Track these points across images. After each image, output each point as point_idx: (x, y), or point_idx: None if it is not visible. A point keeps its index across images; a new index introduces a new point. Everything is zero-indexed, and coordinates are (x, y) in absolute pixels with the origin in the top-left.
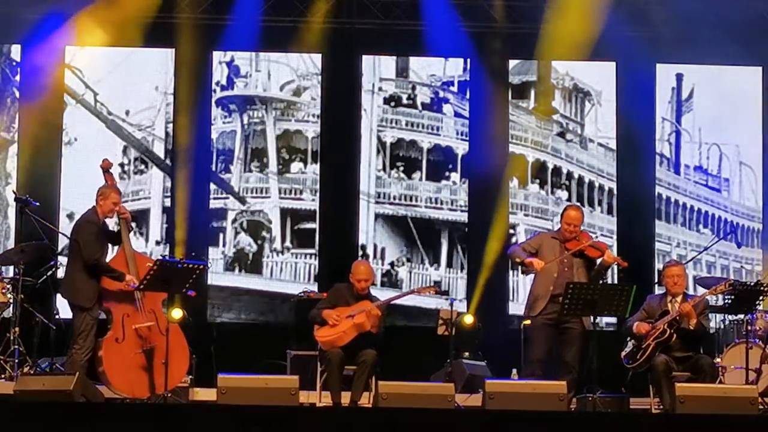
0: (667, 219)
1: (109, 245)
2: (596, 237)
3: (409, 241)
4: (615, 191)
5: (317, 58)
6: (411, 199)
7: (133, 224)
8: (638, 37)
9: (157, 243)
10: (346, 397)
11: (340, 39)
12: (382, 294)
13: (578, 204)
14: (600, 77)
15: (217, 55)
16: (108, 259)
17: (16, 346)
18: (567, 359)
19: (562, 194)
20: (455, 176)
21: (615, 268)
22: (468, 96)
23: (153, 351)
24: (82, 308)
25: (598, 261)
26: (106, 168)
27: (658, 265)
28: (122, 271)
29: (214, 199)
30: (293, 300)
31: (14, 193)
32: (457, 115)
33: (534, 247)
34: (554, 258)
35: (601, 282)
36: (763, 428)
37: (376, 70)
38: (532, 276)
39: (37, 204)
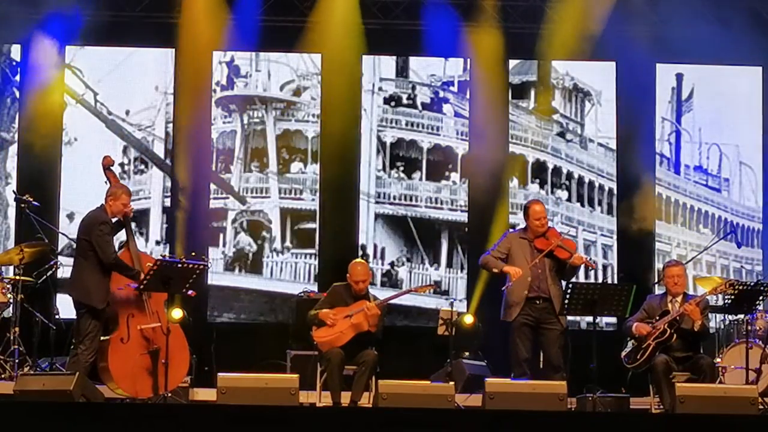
0: (667, 219)
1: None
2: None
3: (409, 241)
4: (615, 191)
5: (317, 58)
6: (411, 199)
7: (133, 224)
8: (638, 37)
9: (157, 243)
10: (346, 397)
11: (340, 39)
12: (382, 294)
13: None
14: (600, 77)
15: (217, 55)
16: None
17: (16, 346)
18: (552, 360)
19: (562, 194)
20: (455, 176)
21: (615, 269)
22: (468, 96)
23: (158, 352)
24: (93, 309)
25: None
26: (107, 165)
27: (658, 265)
28: (138, 270)
29: (214, 199)
30: (293, 300)
31: (14, 193)
32: (457, 114)
33: (503, 252)
34: (526, 261)
35: (601, 282)
36: (763, 428)
37: (376, 70)
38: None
39: (37, 204)
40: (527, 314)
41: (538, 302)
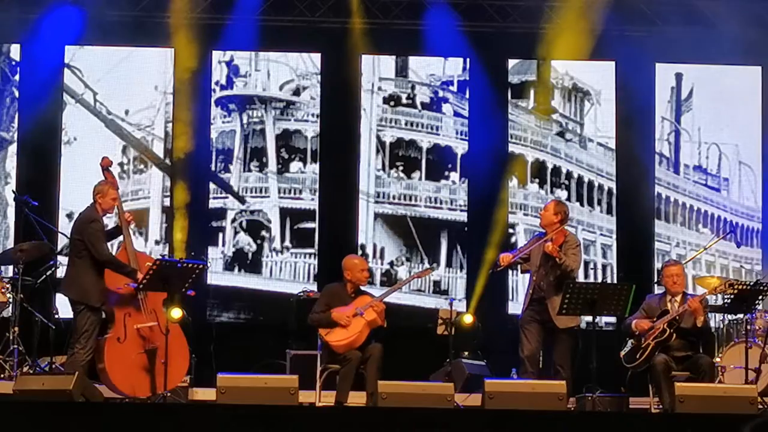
0: (666, 219)
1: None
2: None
3: (409, 240)
4: (615, 191)
5: (317, 57)
6: (410, 199)
7: (133, 226)
8: (638, 36)
9: (157, 243)
10: (353, 397)
11: (340, 39)
12: (380, 293)
13: (558, 198)
14: (599, 77)
15: (217, 55)
16: None
17: (16, 346)
18: (554, 359)
19: (562, 194)
20: (455, 176)
21: (614, 269)
22: (467, 95)
23: (155, 351)
24: (90, 308)
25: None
26: (105, 166)
27: (658, 265)
28: (133, 267)
29: (214, 198)
30: (293, 300)
31: (14, 192)
32: (456, 114)
33: (527, 253)
34: (537, 260)
35: (601, 281)
36: (763, 428)
37: (376, 69)
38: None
39: (37, 204)
40: (533, 311)
41: (542, 303)
